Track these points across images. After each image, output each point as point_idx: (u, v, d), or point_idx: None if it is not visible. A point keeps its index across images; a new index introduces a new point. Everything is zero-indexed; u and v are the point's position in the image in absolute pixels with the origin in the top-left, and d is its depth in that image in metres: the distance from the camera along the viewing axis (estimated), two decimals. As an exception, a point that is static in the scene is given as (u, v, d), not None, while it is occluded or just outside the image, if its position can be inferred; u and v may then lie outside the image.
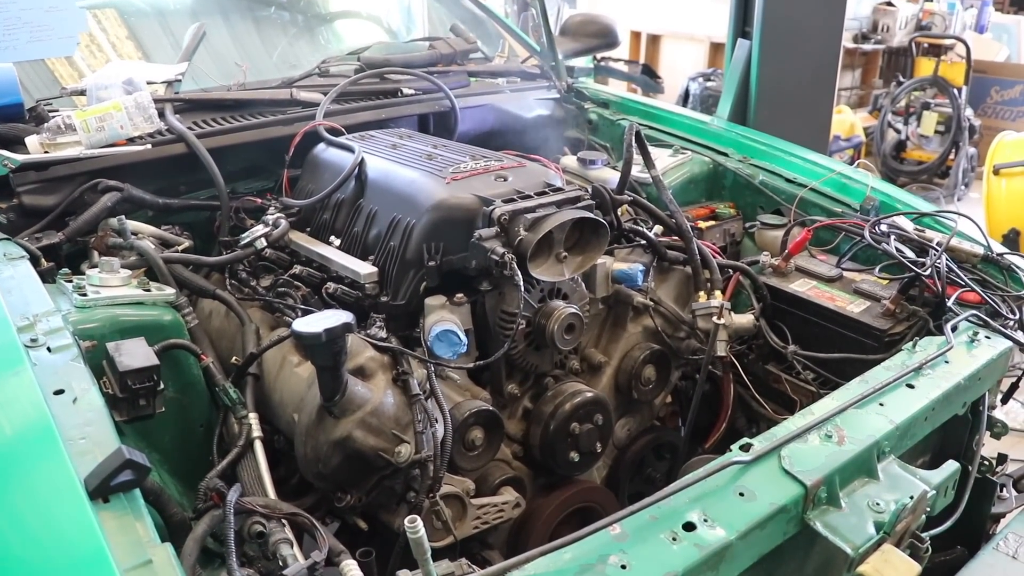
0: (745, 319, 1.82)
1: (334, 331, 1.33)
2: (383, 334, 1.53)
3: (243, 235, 1.76)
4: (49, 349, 1.33)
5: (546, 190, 1.63)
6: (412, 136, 2.03)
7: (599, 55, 7.31)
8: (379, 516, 1.54)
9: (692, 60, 7.17)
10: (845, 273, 1.95)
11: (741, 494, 1.16)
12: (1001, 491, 1.77)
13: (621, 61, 7.35)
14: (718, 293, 1.85)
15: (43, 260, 1.68)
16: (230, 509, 1.22)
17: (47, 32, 2.25)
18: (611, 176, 2.21)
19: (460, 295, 1.58)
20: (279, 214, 1.82)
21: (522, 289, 1.48)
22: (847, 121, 6.74)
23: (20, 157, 1.82)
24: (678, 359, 1.91)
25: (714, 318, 1.75)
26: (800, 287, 1.92)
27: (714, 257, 1.95)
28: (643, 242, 1.88)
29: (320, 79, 2.38)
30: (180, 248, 1.80)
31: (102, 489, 1.05)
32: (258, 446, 1.49)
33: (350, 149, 1.88)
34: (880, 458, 1.30)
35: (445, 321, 1.52)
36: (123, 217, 1.70)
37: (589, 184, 2.07)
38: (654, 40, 7.69)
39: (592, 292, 1.78)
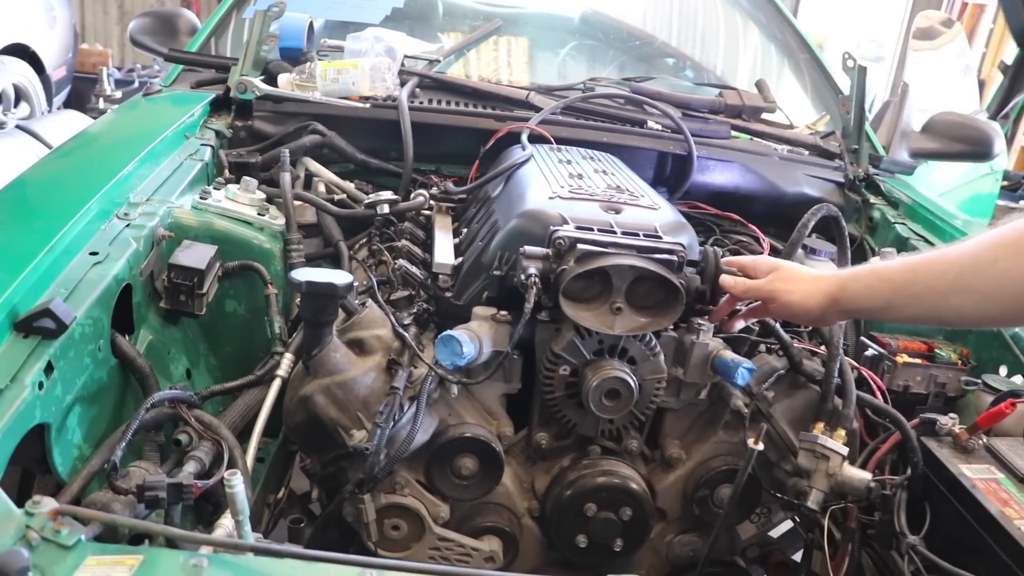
0: (858, 475, 1.39)
1: (316, 287, 1.31)
2: (408, 320, 1.47)
3: (369, 196, 1.81)
4: (128, 225, 1.50)
5: (637, 232, 1.42)
6: (598, 159, 1.90)
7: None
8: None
9: None
10: (1056, 482, 1.39)
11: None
12: None
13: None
14: (841, 432, 1.44)
15: (227, 171, 1.91)
16: (145, 405, 1.26)
17: (369, 1, 2.55)
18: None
19: (504, 313, 1.44)
20: (421, 190, 1.84)
21: (526, 315, 1.30)
22: None
23: (264, 87, 2.08)
24: (772, 494, 1.53)
25: (769, 444, 1.36)
26: (972, 472, 1.41)
27: (876, 397, 1.53)
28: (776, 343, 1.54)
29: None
30: (337, 198, 1.91)
31: (23, 324, 1.16)
32: (275, 384, 1.51)
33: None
34: None
35: (466, 330, 1.40)
36: (285, 149, 1.85)
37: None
38: None
39: (680, 373, 1.50)
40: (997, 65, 7.51)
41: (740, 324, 1.46)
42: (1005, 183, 6.20)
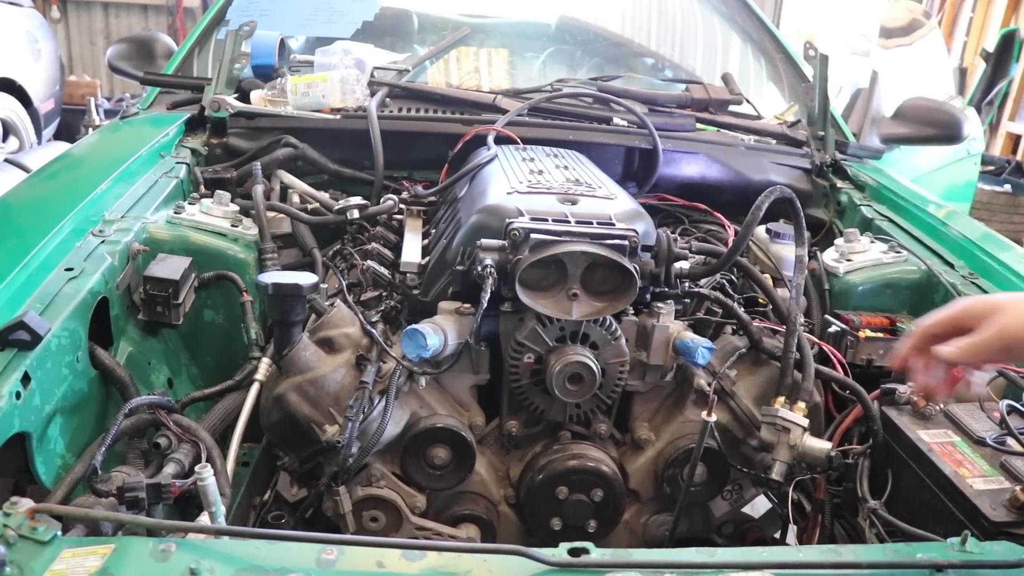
0: (818, 445, 1.43)
1: (282, 288, 1.36)
2: (376, 318, 1.51)
3: (339, 202, 1.86)
4: (103, 241, 1.54)
5: (591, 221, 1.46)
6: (561, 156, 1.95)
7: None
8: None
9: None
10: (1012, 441, 1.43)
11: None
12: None
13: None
14: (801, 405, 1.48)
15: (203, 187, 1.96)
16: (123, 410, 1.31)
17: (340, 16, 2.61)
18: (790, 255, 1.89)
19: (467, 306, 1.49)
20: (391, 195, 1.89)
21: (483, 304, 1.35)
22: None
23: (238, 105, 2.13)
24: (740, 469, 1.57)
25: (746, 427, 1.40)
26: (929, 436, 1.45)
27: (838, 371, 1.58)
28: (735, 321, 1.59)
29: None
30: (310, 207, 1.96)
31: (-1, 338, 1.21)
32: (254, 387, 1.56)
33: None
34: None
35: (431, 323, 1.44)
36: (257, 163, 1.91)
37: (769, 259, 1.84)
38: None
39: (643, 356, 1.54)
40: (979, 53, 7.57)
41: (980, 382, 1.26)
42: (991, 168, 6.27)
